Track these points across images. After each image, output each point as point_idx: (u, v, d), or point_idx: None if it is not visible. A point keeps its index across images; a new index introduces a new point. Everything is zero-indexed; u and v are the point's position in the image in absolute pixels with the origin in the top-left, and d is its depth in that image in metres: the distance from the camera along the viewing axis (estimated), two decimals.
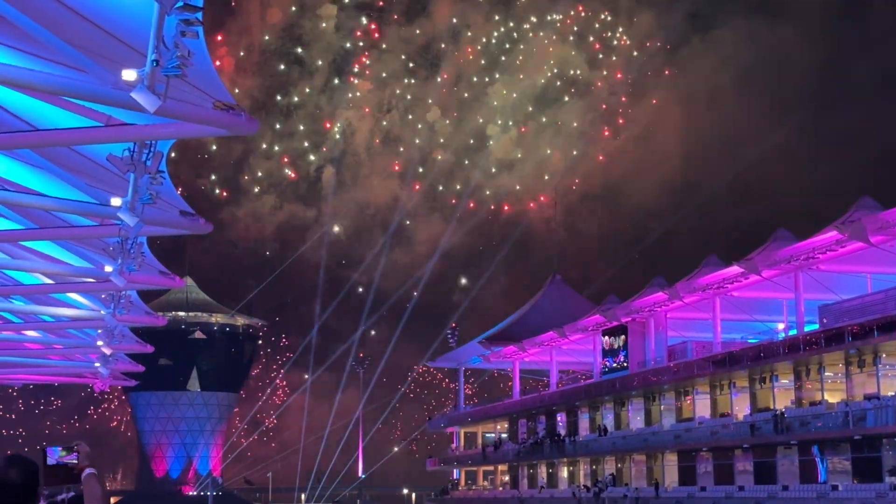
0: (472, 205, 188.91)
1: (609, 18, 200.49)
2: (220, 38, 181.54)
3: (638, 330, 78.98)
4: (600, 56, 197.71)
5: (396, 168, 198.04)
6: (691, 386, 69.63)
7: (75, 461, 5.89)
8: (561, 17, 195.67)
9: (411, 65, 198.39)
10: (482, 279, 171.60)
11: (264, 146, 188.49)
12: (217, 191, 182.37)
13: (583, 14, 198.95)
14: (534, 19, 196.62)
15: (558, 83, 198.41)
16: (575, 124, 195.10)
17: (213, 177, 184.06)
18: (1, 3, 27.36)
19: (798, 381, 59.90)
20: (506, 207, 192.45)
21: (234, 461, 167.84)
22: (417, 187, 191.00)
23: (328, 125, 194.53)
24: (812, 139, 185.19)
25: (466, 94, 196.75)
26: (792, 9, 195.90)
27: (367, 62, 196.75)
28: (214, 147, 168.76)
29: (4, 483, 5.50)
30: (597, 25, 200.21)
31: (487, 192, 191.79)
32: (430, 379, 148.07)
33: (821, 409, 56.35)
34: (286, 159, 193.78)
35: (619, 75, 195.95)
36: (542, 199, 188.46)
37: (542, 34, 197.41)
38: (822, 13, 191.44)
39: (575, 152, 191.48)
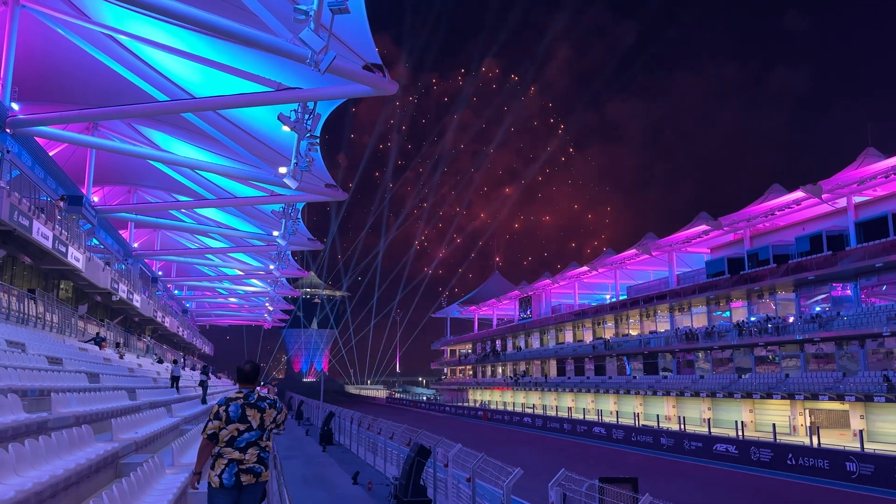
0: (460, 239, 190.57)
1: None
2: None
3: (537, 298, 79.11)
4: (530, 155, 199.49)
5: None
6: (563, 326, 69.96)
7: (265, 394, 6.44)
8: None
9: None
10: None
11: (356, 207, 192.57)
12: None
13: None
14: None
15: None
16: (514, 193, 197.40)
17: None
18: (224, 138, 27.85)
19: (616, 323, 60.33)
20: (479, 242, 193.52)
21: (332, 363, 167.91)
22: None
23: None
24: (627, 209, 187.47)
25: (458, 181, 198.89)
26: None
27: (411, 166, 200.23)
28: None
29: (242, 370, 6.05)
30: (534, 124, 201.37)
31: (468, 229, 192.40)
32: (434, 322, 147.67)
33: (628, 338, 56.77)
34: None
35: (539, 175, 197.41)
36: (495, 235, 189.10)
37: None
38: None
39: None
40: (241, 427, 5.62)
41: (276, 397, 6.27)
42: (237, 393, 5.86)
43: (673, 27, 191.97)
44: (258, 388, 6.17)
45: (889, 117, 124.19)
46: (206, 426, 5.74)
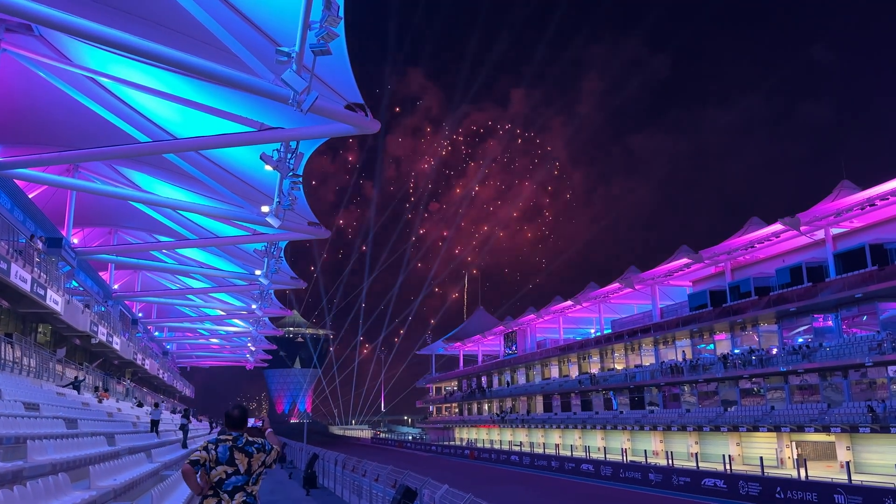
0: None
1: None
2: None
3: (522, 333, 78.93)
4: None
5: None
6: (548, 362, 69.67)
7: (261, 425, 6.40)
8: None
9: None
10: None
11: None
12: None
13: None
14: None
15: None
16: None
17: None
18: (206, 178, 27.82)
19: (602, 358, 60.21)
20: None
21: (316, 403, 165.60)
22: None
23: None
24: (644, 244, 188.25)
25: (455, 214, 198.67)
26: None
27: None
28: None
29: (231, 415, 6.01)
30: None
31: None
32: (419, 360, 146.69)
33: (613, 372, 56.62)
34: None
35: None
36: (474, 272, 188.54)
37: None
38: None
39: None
40: (229, 470, 5.61)
41: (265, 440, 6.22)
42: (226, 435, 5.83)
43: (702, 61, 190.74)
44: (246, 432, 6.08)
45: None
46: (190, 455, 5.72)
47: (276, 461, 6.07)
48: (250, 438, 5.88)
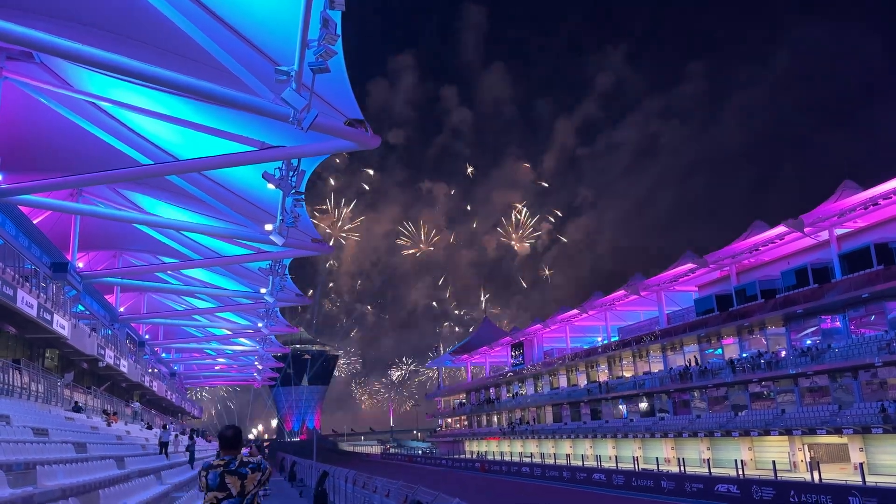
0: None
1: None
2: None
3: (529, 343, 78.52)
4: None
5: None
6: (556, 371, 69.31)
7: (248, 453, 6.36)
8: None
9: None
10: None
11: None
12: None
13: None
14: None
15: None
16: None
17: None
18: (209, 198, 27.92)
19: (610, 366, 59.90)
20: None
21: (326, 421, 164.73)
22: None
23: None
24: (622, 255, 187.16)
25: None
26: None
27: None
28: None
29: (224, 436, 5.93)
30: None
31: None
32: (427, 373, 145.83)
33: (622, 380, 56.27)
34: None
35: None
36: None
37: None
38: None
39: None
40: (220, 495, 5.53)
41: (260, 458, 6.13)
42: (219, 460, 5.74)
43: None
44: (244, 450, 6.03)
45: None
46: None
47: (268, 479, 6.03)
48: (244, 459, 5.75)
